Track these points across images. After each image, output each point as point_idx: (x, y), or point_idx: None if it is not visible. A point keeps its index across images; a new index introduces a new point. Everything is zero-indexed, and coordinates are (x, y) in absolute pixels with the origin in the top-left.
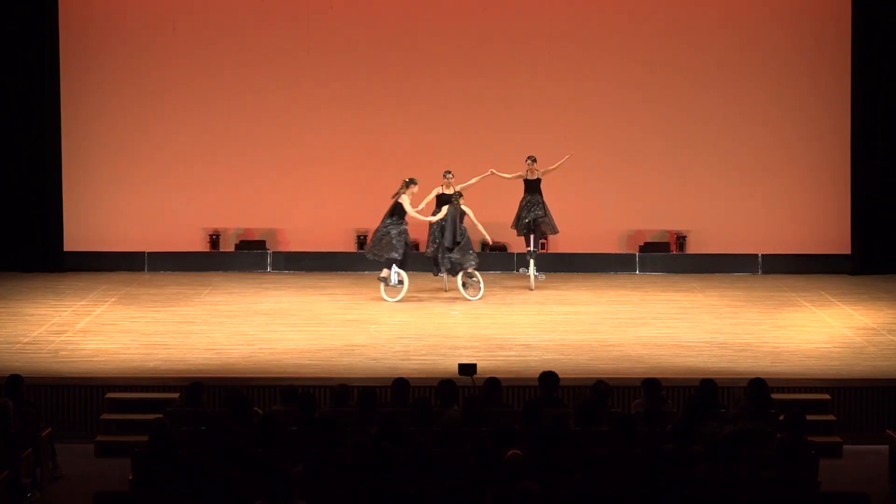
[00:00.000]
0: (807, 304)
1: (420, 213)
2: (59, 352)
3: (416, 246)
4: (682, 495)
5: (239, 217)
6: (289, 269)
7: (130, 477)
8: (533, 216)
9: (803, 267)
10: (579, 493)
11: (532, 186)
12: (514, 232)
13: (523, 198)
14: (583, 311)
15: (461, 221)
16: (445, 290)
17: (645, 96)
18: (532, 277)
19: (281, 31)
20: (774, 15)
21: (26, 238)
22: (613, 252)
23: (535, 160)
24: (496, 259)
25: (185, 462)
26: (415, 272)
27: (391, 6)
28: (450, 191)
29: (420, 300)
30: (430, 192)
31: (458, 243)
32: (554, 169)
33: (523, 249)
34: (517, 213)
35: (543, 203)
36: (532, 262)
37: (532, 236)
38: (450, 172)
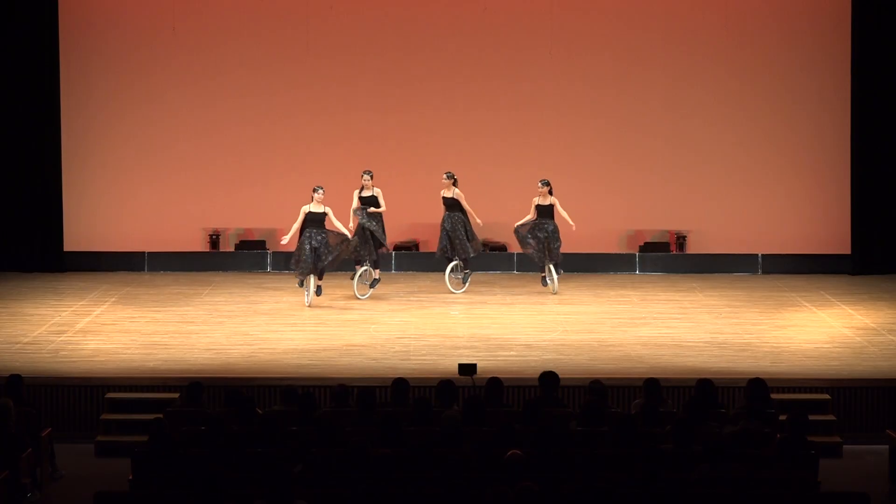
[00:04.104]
0: (807, 304)
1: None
2: (59, 352)
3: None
4: (682, 495)
5: (239, 217)
6: (289, 269)
7: (130, 477)
8: (545, 242)
9: (803, 267)
10: (579, 493)
11: (545, 212)
12: (515, 232)
13: (538, 220)
14: (583, 311)
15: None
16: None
17: (645, 96)
18: (552, 283)
19: (281, 33)
20: (774, 15)
21: (26, 238)
22: (613, 252)
23: (546, 184)
24: (496, 259)
25: (185, 462)
26: (418, 272)
27: (391, 8)
28: (450, 193)
29: (420, 300)
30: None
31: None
32: (563, 216)
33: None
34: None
35: (555, 229)
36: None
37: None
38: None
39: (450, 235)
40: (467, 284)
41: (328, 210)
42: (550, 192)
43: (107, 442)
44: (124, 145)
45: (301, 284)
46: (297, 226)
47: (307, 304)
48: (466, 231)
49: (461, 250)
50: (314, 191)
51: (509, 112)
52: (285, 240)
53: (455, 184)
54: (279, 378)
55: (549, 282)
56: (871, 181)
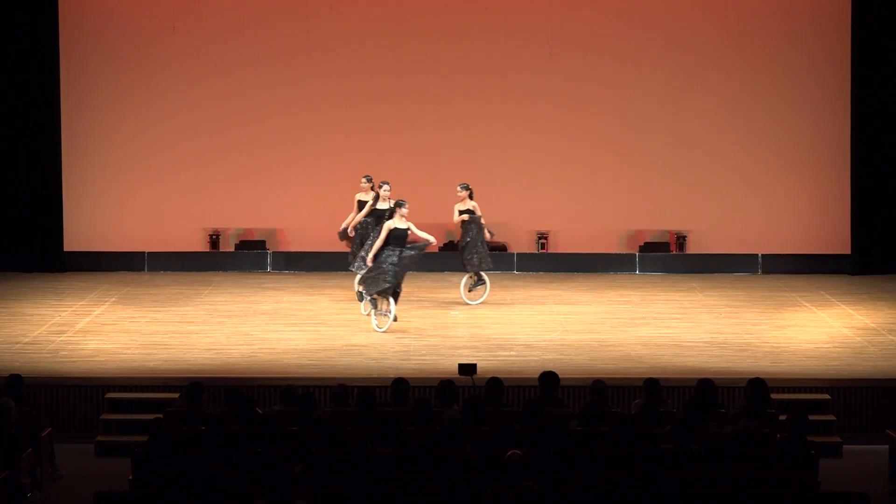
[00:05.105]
0: (807, 304)
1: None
2: (59, 352)
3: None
4: (681, 495)
5: (239, 217)
6: (289, 269)
7: (130, 477)
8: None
9: (803, 267)
10: (579, 493)
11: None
12: (515, 232)
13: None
14: (583, 311)
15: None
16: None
17: (645, 96)
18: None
19: (280, 32)
20: (774, 15)
21: (26, 238)
22: (613, 252)
23: (466, 188)
24: (496, 259)
25: (185, 462)
26: (418, 272)
27: (391, 6)
28: (367, 197)
29: (420, 300)
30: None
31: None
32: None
33: (524, 249)
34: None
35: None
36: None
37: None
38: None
39: (361, 242)
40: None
41: (411, 225)
42: (471, 197)
43: (107, 442)
44: (124, 145)
45: (375, 306)
46: (379, 243)
47: (382, 329)
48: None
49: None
50: (398, 206)
51: (510, 111)
52: (369, 261)
53: (373, 188)
54: (279, 378)
55: (463, 292)
56: (871, 181)
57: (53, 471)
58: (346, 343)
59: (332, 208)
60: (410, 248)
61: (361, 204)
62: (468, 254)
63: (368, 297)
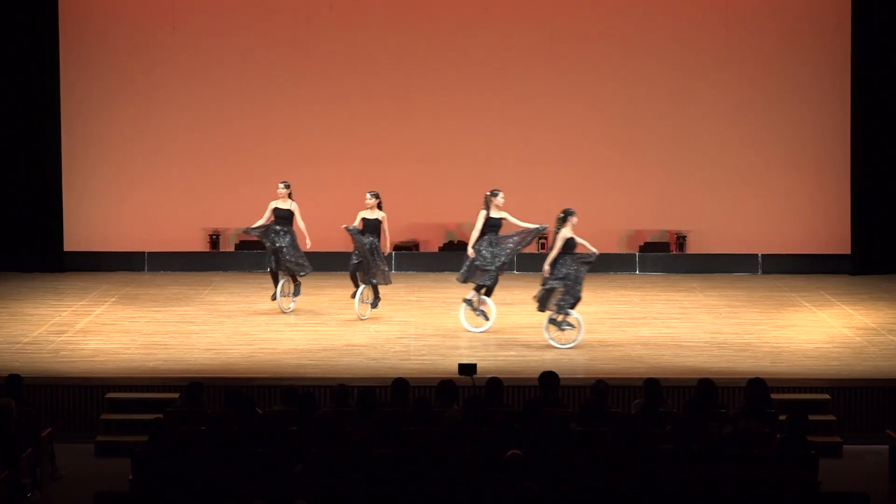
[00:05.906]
0: (807, 304)
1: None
2: (59, 352)
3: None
4: (681, 495)
5: (239, 217)
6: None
7: (130, 477)
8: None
9: (803, 267)
10: (579, 493)
11: (369, 226)
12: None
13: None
14: (583, 311)
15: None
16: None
17: (645, 96)
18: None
19: (280, 31)
20: (774, 15)
21: (26, 238)
22: (613, 252)
23: (375, 196)
24: None
25: (185, 462)
26: (418, 272)
27: (391, 5)
28: (286, 204)
29: (420, 300)
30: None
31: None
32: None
33: (524, 249)
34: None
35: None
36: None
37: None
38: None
39: (275, 249)
40: (280, 300)
41: (575, 235)
42: (380, 206)
43: (107, 442)
44: (124, 145)
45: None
46: (555, 253)
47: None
48: (294, 247)
49: (289, 266)
50: (569, 214)
51: (510, 110)
52: (545, 272)
53: (291, 195)
54: (279, 378)
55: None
56: (871, 181)
57: (53, 471)
58: (346, 343)
59: (332, 208)
60: (580, 260)
61: (278, 211)
62: (373, 266)
63: (554, 313)
